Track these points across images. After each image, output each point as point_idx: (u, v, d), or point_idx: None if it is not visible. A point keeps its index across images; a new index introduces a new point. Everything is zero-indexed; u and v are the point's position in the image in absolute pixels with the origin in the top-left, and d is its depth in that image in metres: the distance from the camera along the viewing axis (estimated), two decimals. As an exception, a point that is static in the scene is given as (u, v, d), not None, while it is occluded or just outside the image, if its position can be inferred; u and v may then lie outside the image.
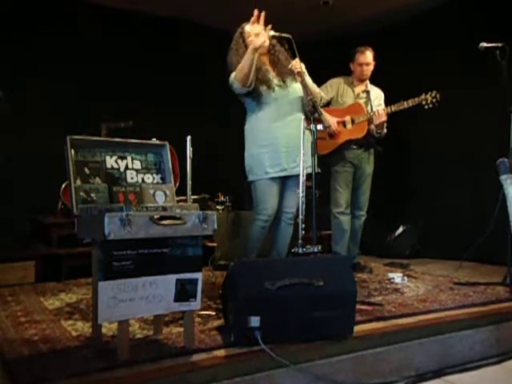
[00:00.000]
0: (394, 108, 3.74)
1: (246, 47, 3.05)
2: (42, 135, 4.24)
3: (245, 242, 3.29)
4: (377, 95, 4.01)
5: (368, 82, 4.00)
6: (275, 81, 3.14)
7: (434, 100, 3.67)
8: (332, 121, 3.78)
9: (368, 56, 3.90)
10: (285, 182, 3.19)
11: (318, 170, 3.01)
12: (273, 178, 3.12)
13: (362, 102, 3.92)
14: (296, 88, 3.17)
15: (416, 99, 3.70)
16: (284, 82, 3.15)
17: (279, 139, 3.10)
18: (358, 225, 3.97)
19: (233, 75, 3.05)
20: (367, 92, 3.96)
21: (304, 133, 2.95)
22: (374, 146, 3.95)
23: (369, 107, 3.90)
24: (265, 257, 3.30)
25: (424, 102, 3.68)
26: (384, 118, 3.74)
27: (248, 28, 3.09)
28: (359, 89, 3.98)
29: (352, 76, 4.01)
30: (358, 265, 3.95)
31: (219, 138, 4.32)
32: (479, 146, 4.42)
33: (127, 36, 4.87)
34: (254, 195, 3.19)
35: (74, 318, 2.59)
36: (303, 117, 3.00)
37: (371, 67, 3.94)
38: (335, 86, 3.99)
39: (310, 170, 2.93)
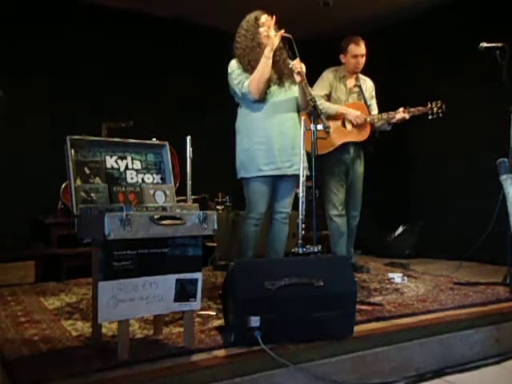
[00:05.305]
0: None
1: (257, 34, 3.06)
2: (42, 135, 4.25)
3: (240, 242, 3.27)
4: (367, 87, 3.88)
5: (358, 73, 3.85)
6: (274, 79, 3.12)
7: (440, 111, 3.58)
8: (355, 114, 3.66)
9: (363, 47, 3.74)
10: (278, 182, 3.16)
11: (307, 172, 3.01)
12: (264, 179, 3.09)
13: (355, 96, 3.82)
14: (293, 89, 3.16)
15: (421, 108, 3.61)
16: (282, 81, 3.14)
17: (274, 137, 3.07)
18: (354, 225, 3.91)
19: (246, 84, 3.03)
20: (359, 86, 3.83)
21: (304, 133, 2.95)
22: (366, 146, 3.86)
23: (362, 102, 3.79)
24: (261, 257, 3.29)
25: (429, 112, 3.59)
26: (405, 115, 3.60)
27: (264, 19, 3.09)
28: (351, 83, 3.84)
29: (343, 68, 3.83)
30: (356, 264, 3.93)
31: (219, 137, 4.31)
32: (479, 146, 4.42)
33: (127, 36, 4.87)
34: (246, 195, 3.17)
35: (73, 317, 2.59)
36: (303, 116, 2.99)
37: (364, 58, 3.78)
38: (330, 80, 3.82)
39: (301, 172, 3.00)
